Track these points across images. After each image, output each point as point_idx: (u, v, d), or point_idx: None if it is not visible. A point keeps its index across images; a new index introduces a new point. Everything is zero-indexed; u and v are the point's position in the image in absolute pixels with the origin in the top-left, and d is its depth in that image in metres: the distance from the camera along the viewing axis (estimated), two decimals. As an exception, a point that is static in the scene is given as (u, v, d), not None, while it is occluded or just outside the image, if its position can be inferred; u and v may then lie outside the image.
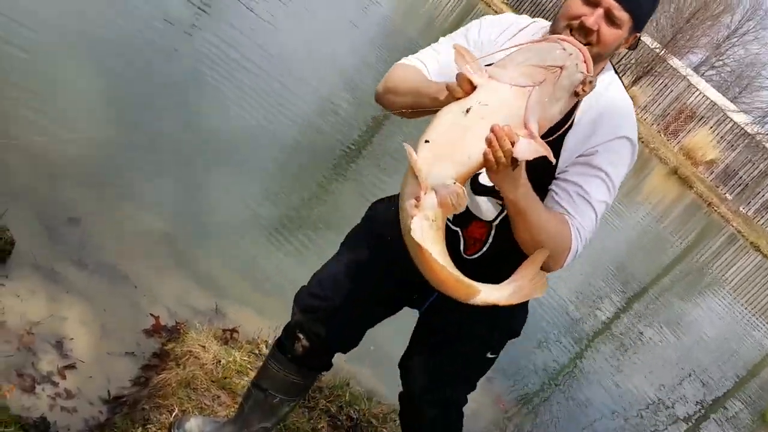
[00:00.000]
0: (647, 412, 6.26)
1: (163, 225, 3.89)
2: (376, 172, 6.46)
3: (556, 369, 5.79)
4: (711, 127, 24.45)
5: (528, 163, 1.65)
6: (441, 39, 2.07)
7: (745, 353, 10.97)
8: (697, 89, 24.75)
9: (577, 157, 1.87)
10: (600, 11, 1.79)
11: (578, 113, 1.86)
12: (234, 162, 5.04)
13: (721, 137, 24.76)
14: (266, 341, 3.31)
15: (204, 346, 3.00)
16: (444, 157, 1.59)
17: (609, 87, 1.91)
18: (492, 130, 1.55)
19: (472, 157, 1.59)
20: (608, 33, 1.81)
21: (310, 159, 6.01)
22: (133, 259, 3.45)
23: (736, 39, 35.81)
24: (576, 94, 1.57)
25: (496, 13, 22.39)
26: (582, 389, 5.85)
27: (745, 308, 13.98)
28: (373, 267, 2.17)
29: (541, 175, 1.83)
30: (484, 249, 2.04)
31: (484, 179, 1.92)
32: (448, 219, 1.90)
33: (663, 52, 24.81)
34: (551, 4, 26.42)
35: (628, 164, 1.91)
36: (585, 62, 1.57)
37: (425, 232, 1.61)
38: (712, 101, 24.66)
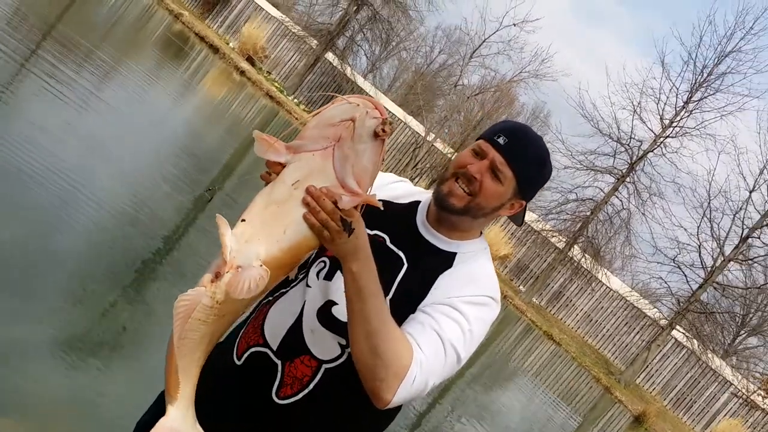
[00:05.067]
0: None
1: None
2: (173, 290, 6.11)
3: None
4: (502, 225, 26.21)
5: (394, 297, 1.68)
6: None
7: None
8: (488, 190, 26.51)
9: (443, 298, 1.74)
10: (486, 163, 1.78)
11: (457, 258, 1.81)
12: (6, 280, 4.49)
13: (512, 234, 26.56)
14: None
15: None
16: (257, 236, 1.53)
17: (483, 253, 1.87)
18: (307, 192, 1.51)
19: (288, 232, 1.53)
20: (490, 186, 1.78)
21: (99, 278, 5.47)
22: None
23: (518, 144, 39.04)
24: (377, 135, 1.53)
25: (299, 121, 23.02)
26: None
27: (546, 393, 14.74)
28: None
29: (405, 304, 1.73)
30: (302, 394, 1.75)
31: (337, 312, 1.74)
32: (270, 348, 1.77)
33: (454, 156, 26.47)
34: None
35: (489, 326, 1.80)
36: (376, 108, 1.54)
37: (198, 309, 1.52)
38: (501, 201, 26.48)
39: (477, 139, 1.86)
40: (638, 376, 23.38)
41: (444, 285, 1.75)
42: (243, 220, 1.54)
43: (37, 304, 4.52)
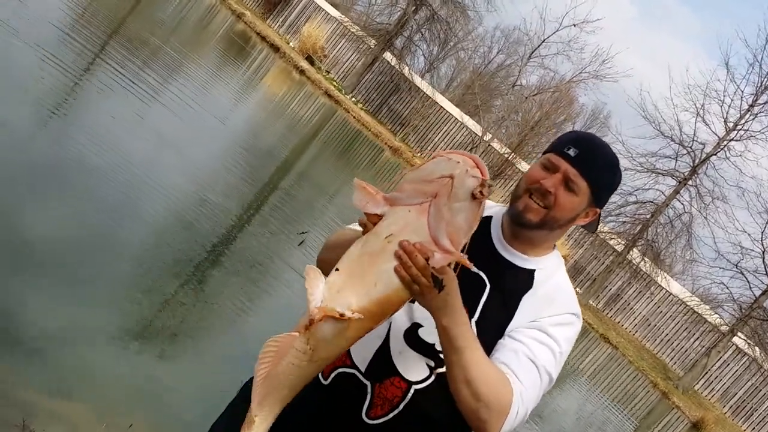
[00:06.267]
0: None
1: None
2: (234, 282, 6.23)
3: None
4: (559, 226, 25.88)
5: (480, 320, 1.71)
6: None
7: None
8: (545, 191, 26.26)
9: (530, 321, 1.77)
10: (558, 176, 1.79)
11: (537, 275, 1.83)
12: (68, 268, 4.61)
13: (569, 236, 26.25)
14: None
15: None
16: (349, 286, 1.54)
17: (559, 267, 1.89)
18: (400, 246, 1.52)
19: (379, 284, 1.54)
20: (565, 198, 1.79)
21: (162, 267, 5.62)
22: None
23: (576, 145, 38.44)
24: (474, 197, 1.51)
25: (356, 120, 23.24)
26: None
27: (602, 396, 14.55)
28: None
29: (491, 327, 1.76)
30: (392, 414, 1.77)
31: (424, 333, 1.77)
32: (358, 369, 1.80)
33: (511, 156, 26.34)
34: (407, 112, 27.66)
35: (573, 342, 1.82)
36: (476, 166, 1.52)
37: (291, 353, 1.56)
38: (558, 202, 26.20)
39: (544, 153, 1.86)
40: (697, 383, 22.84)
41: (528, 307, 1.78)
42: (337, 269, 1.57)
43: (103, 290, 4.67)
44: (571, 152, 1.79)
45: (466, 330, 1.62)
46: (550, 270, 1.84)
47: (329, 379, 1.82)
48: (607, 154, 1.86)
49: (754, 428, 22.64)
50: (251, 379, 1.95)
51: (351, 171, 16.06)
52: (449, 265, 1.54)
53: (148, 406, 3.93)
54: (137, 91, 8.71)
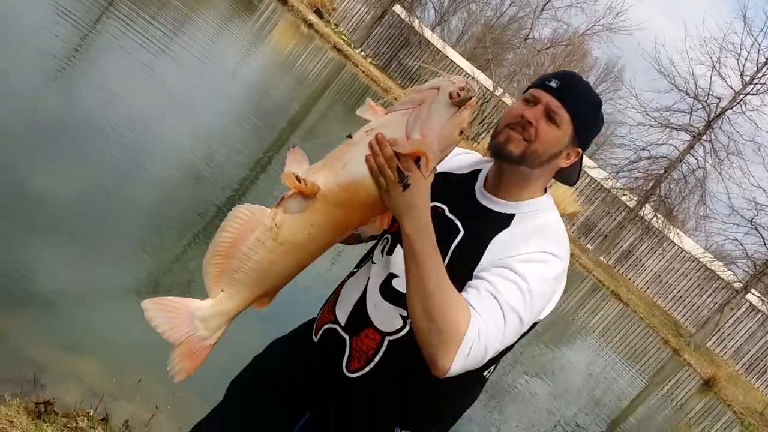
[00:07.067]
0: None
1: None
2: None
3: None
4: (571, 182, 25.68)
5: (451, 257, 1.68)
6: None
7: (619, 392, 11.38)
8: (557, 147, 26.03)
9: (498, 260, 1.69)
10: (540, 107, 1.75)
11: (516, 218, 1.76)
12: (79, 225, 4.63)
13: (581, 191, 26.10)
14: (87, 414, 3.09)
15: (12, 422, 2.72)
16: (323, 168, 1.61)
17: (547, 210, 1.81)
18: (374, 137, 1.56)
19: (347, 167, 1.59)
20: (546, 130, 1.74)
21: (172, 223, 5.61)
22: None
23: (590, 100, 38.03)
24: (451, 96, 1.59)
25: (365, 74, 22.96)
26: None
27: (612, 352, 14.55)
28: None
29: (460, 270, 1.68)
30: (369, 367, 1.77)
31: (397, 284, 1.76)
32: (339, 324, 1.82)
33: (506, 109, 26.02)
34: (417, 66, 27.31)
35: (553, 283, 1.71)
36: (466, 83, 1.60)
37: (258, 229, 1.60)
38: (570, 158, 25.99)
39: (526, 90, 1.82)
40: (709, 340, 22.87)
41: (498, 246, 1.71)
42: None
43: (114, 247, 4.68)
44: (553, 84, 1.77)
45: (431, 244, 1.58)
46: (534, 213, 1.78)
47: (318, 337, 1.87)
48: (591, 93, 1.83)
49: (767, 386, 22.70)
50: (261, 354, 1.96)
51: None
52: (418, 166, 1.56)
53: (157, 361, 3.88)
54: (146, 44, 8.59)
